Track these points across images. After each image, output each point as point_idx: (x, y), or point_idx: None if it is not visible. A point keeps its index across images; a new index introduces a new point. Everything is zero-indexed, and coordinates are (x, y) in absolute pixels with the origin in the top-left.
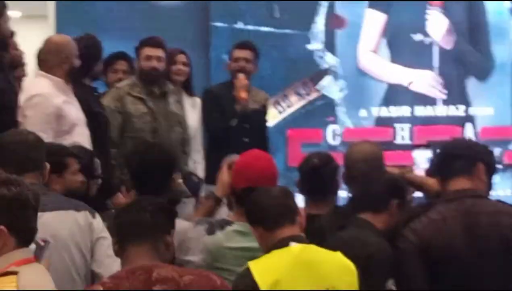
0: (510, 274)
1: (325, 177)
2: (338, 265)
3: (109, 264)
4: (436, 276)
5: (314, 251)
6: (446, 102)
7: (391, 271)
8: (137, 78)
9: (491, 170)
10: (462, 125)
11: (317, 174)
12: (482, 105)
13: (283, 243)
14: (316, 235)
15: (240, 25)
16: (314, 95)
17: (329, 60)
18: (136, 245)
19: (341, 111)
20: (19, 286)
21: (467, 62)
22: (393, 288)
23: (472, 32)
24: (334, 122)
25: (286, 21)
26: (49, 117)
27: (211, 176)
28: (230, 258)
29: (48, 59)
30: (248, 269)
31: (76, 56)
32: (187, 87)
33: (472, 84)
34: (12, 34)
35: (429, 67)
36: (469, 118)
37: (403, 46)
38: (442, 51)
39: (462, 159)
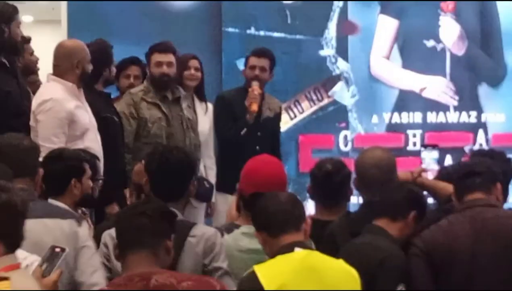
0: None
1: (337, 183)
2: (341, 271)
3: (91, 273)
4: (441, 279)
5: (318, 257)
6: (458, 108)
7: (403, 277)
8: (149, 84)
9: (507, 180)
10: (474, 132)
11: (330, 180)
12: (494, 112)
13: (287, 249)
14: (327, 240)
15: (252, 30)
16: (326, 101)
17: (341, 66)
18: (135, 251)
19: (352, 117)
20: None
21: (479, 68)
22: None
23: (484, 38)
24: (346, 128)
25: (298, 27)
26: (61, 122)
27: (222, 183)
28: (237, 260)
29: (60, 64)
30: (253, 272)
31: (89, 61)
32: (199, 93)
33: (484, 91)
34: (28, 40)
35: (441, 73)
36: (481, 125)
37: (415, 52)
38: (454, 58)
39: (481, 177)
